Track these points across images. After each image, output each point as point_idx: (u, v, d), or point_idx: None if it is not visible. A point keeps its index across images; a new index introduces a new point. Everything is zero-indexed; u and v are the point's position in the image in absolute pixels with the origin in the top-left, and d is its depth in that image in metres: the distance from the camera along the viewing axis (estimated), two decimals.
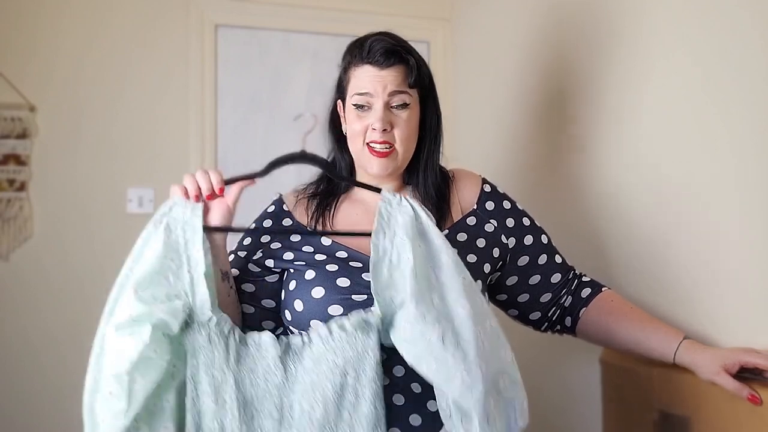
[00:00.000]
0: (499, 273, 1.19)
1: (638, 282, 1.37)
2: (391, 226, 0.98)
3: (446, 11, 2.40)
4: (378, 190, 1.03)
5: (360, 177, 1.18)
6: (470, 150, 2.09)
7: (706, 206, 1.20)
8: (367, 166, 1.13)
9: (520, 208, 1.23)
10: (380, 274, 0.94)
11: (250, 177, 1.04)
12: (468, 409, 0.87)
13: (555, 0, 1.71)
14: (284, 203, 1.20)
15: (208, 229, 1.00)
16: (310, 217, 1.15)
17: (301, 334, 0.96)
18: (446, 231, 1.13)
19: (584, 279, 1.24)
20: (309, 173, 1.21)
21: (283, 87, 2.35)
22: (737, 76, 1.12)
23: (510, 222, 1.19)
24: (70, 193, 2.15)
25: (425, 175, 1.17)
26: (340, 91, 1.17)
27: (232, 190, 1.04)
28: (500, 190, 1.23)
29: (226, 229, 1.04)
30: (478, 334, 0.90)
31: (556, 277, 1.21)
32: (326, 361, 0.92)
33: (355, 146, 1.13)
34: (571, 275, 1.23)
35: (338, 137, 1.20)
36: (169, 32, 2.25)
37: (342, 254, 1.08)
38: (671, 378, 1.16)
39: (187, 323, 0.92)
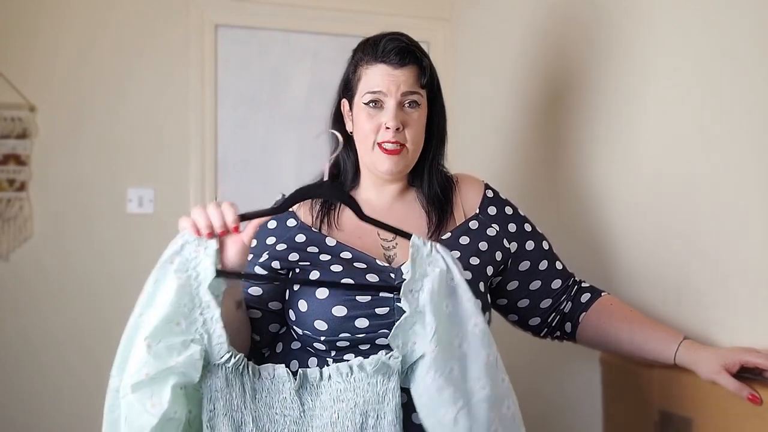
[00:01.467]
0: (500, 277, 1.19)
1: (638, 283, 1.37)
2: (421, 277, 0.92)
3: (446, 11, 2.40)
4: (408, 236, 0.95)
5: (366, 177, 1.18)
6: (469, 150, 2.09)
7: (707, 207, 1.19)
8: (378, 164, 1.12)
9: (522, 213, 1.23)
10: (407, 326, 0.91)
11: (268, 213, 0.98)
12: None
13: (555, 0, 1.71)
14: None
15: (221, 274, 0.92)
16: (314, 217, 1.14)
17: (319, 367, 0.93)
18: (449, 234, 1.13)
19: (584, 285, 1.24)
20: (309, 174, 1.20)
21: (283, 87, 2.35)
22: (737, 76, 1.12)
23: (512, 227, 1.19)
24: (70, 193, 2.15)
25: (430, 177, 1.17)
26: (347, 90, 1.16)
27: (249, 228, 0.96)
28: (502, 196, 1.24)
29: (240, 276, 0.98)
30: (493, 420, 0.87)
31: (556, 283, 1.21)
32: (346, 400, 0.90)
33: (364, 146, 1.13)
34: (571, 281, 1.23)
35: (343, 136, 1.18)
36: (169, 32, 2.25)
37: (346, 255, 1.08)
38: (672, 378, 1.16)
39: (203, 366, 0.89)
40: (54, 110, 2.15)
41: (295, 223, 1.15)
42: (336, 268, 1.05)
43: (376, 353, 0.92)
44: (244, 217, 0.95)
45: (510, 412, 0.90)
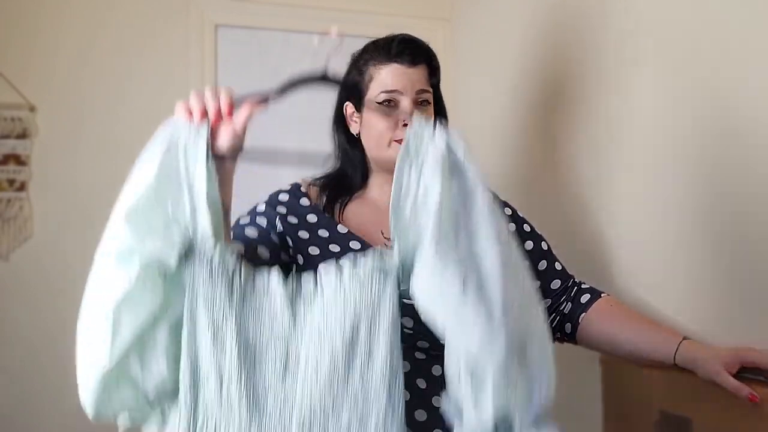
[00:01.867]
0: None
1: (638, 283, 1.37)
2: (419, 158, 0.84)
3: (446, 11, 2.40)
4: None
5: (375, 176, 1.19)
6: (470, 143, 2.08)
7: (706, 206, 1.19)
8: (393, 160, 1.10)
9: (521, 215, 1.24)
10: (402, 212, 0.83)
11: (263, 98, 0.94)
12: (483, 371, 0.76)
13: (555, 0, 1.71)
14: (300, 186, 1.20)
15: (213, 156, 0.88)
16: (324, 203, 1.15)
17: (315, 277, 0.86)
18: None
19: (584, 286, 1.24)
20: (309, 174, 1.21)
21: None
22: (735, 74, 1.12)
23: (511, 227, 1.19)
24: (70, 193, 2.15)
25: None
26: (355, 92, 1.16)
27: (241, 114, 0.93)
28: (501, 197, 1.23)
29: (232, 156, 0.93)
30: (508, 288, 0.78)
31: (555, 284, 1.21)
32: (335, 310, 0.83)
33: (379, 145, 1.12)
34: (570, 282, 1.23)
35: (347, 139, 1.20)
36: (169, 32, 2.25)
37: (355, 245, 1.08)
38: (672, 378, 1.15)
39: (187, 255, 0.84)
40: (54, 110, 2.15)
41: (308, 203, 1.15)
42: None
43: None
44: (240, 102, 0.92)
45: (527, 289, 0.82)
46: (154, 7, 2.24)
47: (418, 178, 0.83)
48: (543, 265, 1.21)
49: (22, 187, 2.11)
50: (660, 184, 1.32)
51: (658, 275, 1.32)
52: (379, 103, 1.11)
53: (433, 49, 1.19)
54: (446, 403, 0.83)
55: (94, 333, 0.82)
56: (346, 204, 1.16)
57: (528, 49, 1.82)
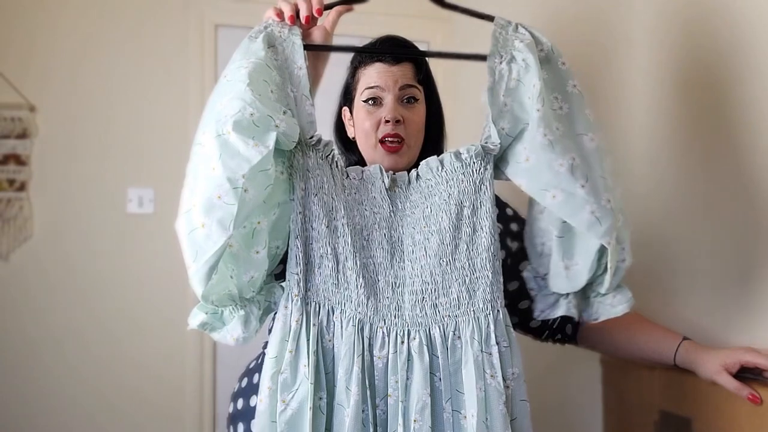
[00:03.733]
0: (504, 275, 1.18)
1: (637, 283, 1.37)
2: (507, 49, 0.93)
3: (446, 11, 2.40)
4: (491, 18, 0.99)
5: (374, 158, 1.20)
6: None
7: (705, 205, 1.19)
8: (381, 162, 1.11)
9: (522, 216, 1.23)
10: (496, 100, 0.91)
11: (348, 1, 1.01)
12: (579, 241, 0.89)
13: (555, 0, 1.71)
14: None
15: (308, 48, 0.94)
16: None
17: (409, 170, 0.95)
18: None
19: None
20: None
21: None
22: (736, 76, 1.12)
23: (514, 226, 1.18)
24: (70, 193, 2.15)
25: None
26: (347, 96, 1.17)
27: (331, 16, 0.99)
28: (503, 198, 1.22)
29: (327, 48, 0.99)
30: (605, 168, 0.88)
31: None
32: (439, 193, 0.91)
33: (367, 145, 1.12)
34: None
35: (344, 143, 1.21)
36: (168, 32, 2.25)
37: None
38: (672, 378, 1.15)
39: (295, 143, 0.87)
40: (54, 110, 2.15)
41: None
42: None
43: None
44: (327, 7, 0.98)
45: (612, 168, 0.91)
46: (154, 8, 2.24)
47: (509, 68, 0.92)
48: None
49: (22, 187, 2.12)
50: (660, 183, 1.32)
51: (657, 272, 1.32)
52: (364, 101, 1.11)
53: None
54: (528, 272, 0.97)
55: (217, 202, 0.81)
56: None
57: None
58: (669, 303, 1.28)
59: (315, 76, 0.99)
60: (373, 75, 1.11)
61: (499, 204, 1.22)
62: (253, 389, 1.04)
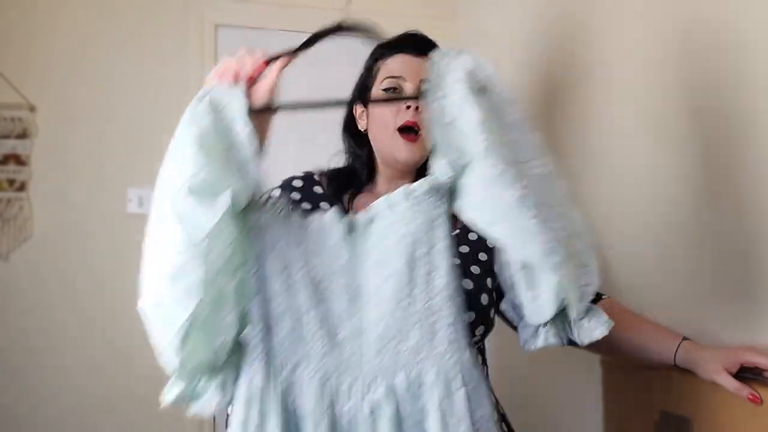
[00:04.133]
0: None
1: (635, 285, 1.37)
2: (442, 84, 0.88)
3: (447, 11, 2.40)
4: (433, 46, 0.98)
5: (382, 173, 1.19)
6: None
7: (705, 204, 1.19)
8: (396, 153, 1.12)
9: None
10: (439, 134, 0.87)
11: (290, 54, 0.99)
12: (544, 270, 0.83)
13: (557, 0, 1.71)
14: (313, 174, 1.20)
15: (252, 112, 0.91)
16: (333, 192, 1.16)
17: (367, 210, 0.90)
18: (458, 230, 1.10)
19: None
20: (309, 152, 1.23)
21: (283, 87, 2.34)
22: (736, 73, 1.12)
23: None
24: (70, 193, 2.15)
25: None
26: (361, 91, 1.18)
27: (273, 72, 0.97)
28: None
29: (268, 110, 0.97)
30: (556, 195, 0.85)
31: None
32: (393, 234, 0.87)
33: (383, 135, 1.12)
34: None
35: (355, 139, 1.21)
36: (168, 32, 2.25)
37: None
38: (672, 378, 1.15)
39: (248, 204, 0.86)
40: (54, 110, 2.15)
41: (322, 191, 1.16)
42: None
43: None
44: (268, 61, 0.96)
45: (565, 192, 0.87)
46: (153, 8, 2.24)
47: (445, 103, 0.87)
48: None
49: (22, 187, 2.12)
50: (660, 182, 1.32)
51: (655, 275, 1.32)
52: (384, 89, 1.12)
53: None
54: (505, 303, 0.93)
55: (180, 271, 0.80)
56: (356, 195, 1.17)
57: (529, 48, 1.82)
58: (664, 302, 1.28)
59: (261, 134, 0.96)
60: (396, 65, 1.13)
61: None
62: None
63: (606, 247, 1.49)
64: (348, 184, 1.18)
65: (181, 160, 0.83)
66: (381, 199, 0.90)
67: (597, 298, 1.20)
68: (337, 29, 0.99)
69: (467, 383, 0.85)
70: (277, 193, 1.14)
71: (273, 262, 0.87)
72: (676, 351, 1.07)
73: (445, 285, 0.86)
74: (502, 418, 1.12)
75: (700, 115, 1.22)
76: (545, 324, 0.91)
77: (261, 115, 0.95)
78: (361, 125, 1.19)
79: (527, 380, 1.65)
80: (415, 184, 0.88)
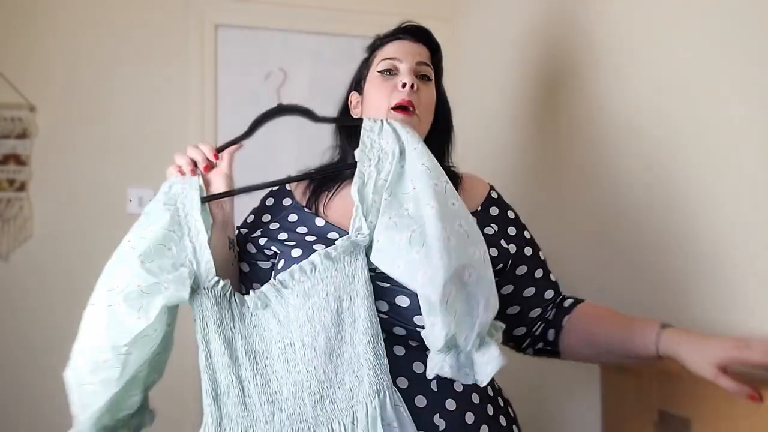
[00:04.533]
0: (497, 278, 1.15)
1: (641, 281, 1.37)
2: (375, 151, 1.01)
3: (446, 11, 2.40)
4: (360, 121, 1.05)
5: None
6: (471, 150, 2.09)
7: (712, 201, 1.20)
8: None
9: (523, 222, 1.22)
10: (366, 197, 0.97)
11: (237, 141, 1.08)
12: (432, 299, 0.86)
13: (555, 0, 1.71)
14: (287, 185, 1.21)
15: (205, 199, 1.02)
16: (307, 198, 1.16)
17: (277, 281, 0.97)
18: None
19: (568, 296, 1.21)
20: (308, 155, 1.24)
21: (283, 87, 2.35)
22: (735, 72, 1.12)
23: (512, 230, 1.18)
24: (70, 193, 2.15)
25: (437, 156, 1.14)
26: (358, 82, 1.20)
27: (224, 159, 1.07)
28: (506, 200, 1.23)
29: (221, 196, 1.05)
30: (444, 231, 0.88)
31: (549, 294, 1.18)
32: (317, 293, 0.94)
33: (377, 115, 1.11)
34: (560, 297, 1.20)
35: (348, 128, 1.19)
36: (169, 32, 2.25)
37: (333, 235, 1.06)
38: (671, 378, 1.16)
39: (193, 289, 0.95)
40: (54, 110, 2.15)
41: (291, 202, 1.17)
42: (318, 247, 1.03)
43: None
44: (220, 150, 1.07)
45: (463, 229, 0.91)
46: (154, 8, 2.24)
47: (377, 169, 0.99)
48: (539, 273, 1.18)
49: (22, 187, 2.12)
50: (659, 184, 1.32)
51: (661, 274, 1.32)
52: (379, 71, 1.14)
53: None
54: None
55: (101, 365, 0.92)
56: (333, 194, 1.15)
57: (529, 48, 1.82)
58: (667, 302, 1.28)
59: (224, 215, 1.06)
60: (392, 48, 1.16)
61: (501, 205, 1.21)
62: None
63: (609, 244, 1.49)
64: (325, 181, 1.17)
65: (126, 265, 0.94)
66: (296, 266, 0.96)
67: (579, 300, 1.18)
68: (277, 112, 1.09)
69: (389, 423, 0.91)
70: (251, 219, 1.18)
71: (218, 341, 0.96)
72: (658, 340, 1.00)
73: (366, 329, 0.93)
74: (507, 403, 1.12)
75: (706, 113, 1.22)
76: (448, 353, 0.89)
77: (224, 201, 1.06)
78: (356, 113, 1.20)
79: (526, 380, 1.65)
80: (334, 246, 0.96)
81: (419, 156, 0.97)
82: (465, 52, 2.31)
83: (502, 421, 1.07)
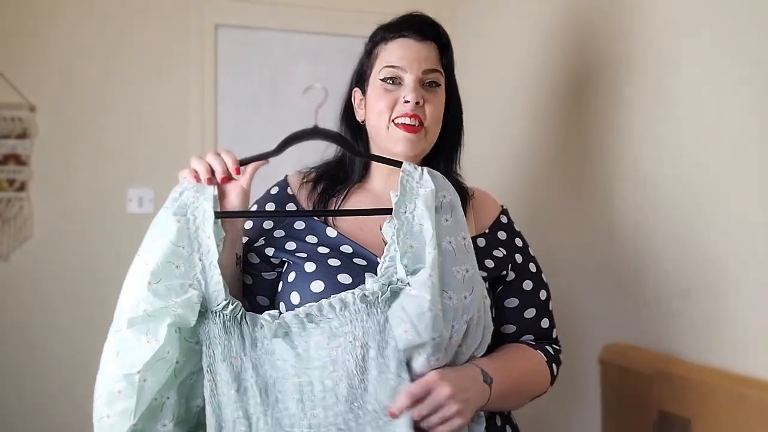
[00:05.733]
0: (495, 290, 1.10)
1: (648, 282, 1.37)
2: (412, 198, 0.94)
3: (446, 11, 2.40)
4: (399, 164, 0.97)
5: (377, 165, 1.10)
6: (469, 150, 2.08)
7: (730, 206, 1.19)
8: (393, 145, 1.04)
9: (532, 253, 1.15)
10: (404, 243, 0.90)
11: (264, 157, 0.98)
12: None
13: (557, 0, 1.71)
14: (288, 186, 1.12)
15: (220, 215, 0.93)
16: (315, 203, 1.08)
17: (303, 313, 0.89)
18: None
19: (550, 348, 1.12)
20: (312, 153, 1.14)
21: (283, 87, 2.36)
22: (744, 76, 1.12)
23: (518, 258, 1.11)
24: (70, 193, 2.15)
25: (447, 163, 1.12)
26: (360, 77, 1.11)
27: (247, 172, 0.97)
28: (516, 227, 1.16)
29: (239, 215, 0.97)
30: (480, 309, 0.91)
31: (528, 337, 1.10)
32: (343, 335, 0.87)
33: (378, 126, 1.05)
34: (545, 345, 1.11)
35: (352, 128, 1.13)
36: (169, 32, 2.25)
37: (347, 249, 1.01)
38: (671, 379, 1.16)
39: (201, 312, 0.88)
40: (54, 110, 2.15)
41: (295, 208, 1.09)
42: (334, 262, 0.98)
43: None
44: (243, 162, 0.96)
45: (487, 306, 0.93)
46: (154, 7, 2.24)
47: (413, 216, 0.92)
48: (530, 313, 1.09)
49: (22, 187, 2.12)
50: (659, 183, 1.32)
51: (668, 274, 1.32)
52: (382, 80, 1.05)
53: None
54: None
55: (117, 396, 0.86)
56: (346, 198, 1.10)
57: (529, 48, 1.82)
58: (669, 304, 1.28)
59: (235, 232, 0.97)
60: (396, 52, 1.05)
61: (511, 231, 1.14)
62: None
63: (616, 246, 1.49)
64: (335, 183, 1.11)
65: (132, 287, 0.88)
66: (326, 302, 0.89)
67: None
68: (312, 134, 0.98)
69: None
70: (249, 224, 1.08)
71: (225, 371, 0.88)
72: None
73: (395, 386, 0.86)
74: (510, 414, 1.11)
75: (710, 111, 1.22)
76: None
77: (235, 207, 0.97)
78: (360, 115, 1.11)
79: None
80: (368, 285, 0.89)
81: (446, 231, 0.92)
82: (465, 52, 2.31)
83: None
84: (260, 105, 2.33)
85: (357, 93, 1.12)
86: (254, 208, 1.09)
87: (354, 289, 0.90)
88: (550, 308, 1.13)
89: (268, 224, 1.06)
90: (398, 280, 0.88)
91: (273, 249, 1.02)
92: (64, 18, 2.17)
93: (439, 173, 0.97)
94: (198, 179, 0.95)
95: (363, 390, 0.86)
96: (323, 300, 0.89)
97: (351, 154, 1.07)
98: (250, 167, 0.98)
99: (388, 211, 0.95)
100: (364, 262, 0.99)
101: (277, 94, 2.34)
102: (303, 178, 1.13)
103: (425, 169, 0.96)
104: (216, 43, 2.29)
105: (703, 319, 1.19)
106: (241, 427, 0.87)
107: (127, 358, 0.84)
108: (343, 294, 0.89)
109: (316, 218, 1.06)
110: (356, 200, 1.10)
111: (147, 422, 0.86)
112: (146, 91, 2.22)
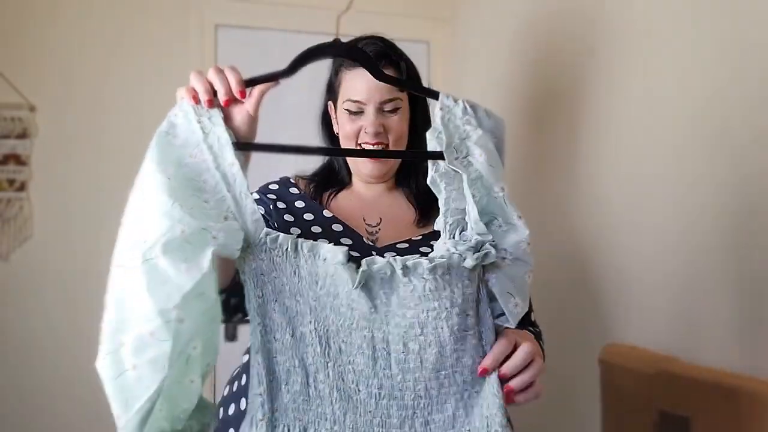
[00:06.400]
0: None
1: (626, 282, 1.37)
2: (462, 141, 0.86)
3: (446, 11, 2.40)
4: (441, 156, 0.86)
5: (355, 174, 1.19)
6: None
7: (707, 206, 1.20)
8: (361, 166, 1.15)
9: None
10: (472, 198, 0.83)
11: (274, 78, 0.86)
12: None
13: (554, 1, 1.71)
14: (289, 179, 1.21)
15: (240, 146, 0.80)
16: (312, 190, 1.16)
17: (399, 263, 0.78)
18: (420, 236, 1.09)
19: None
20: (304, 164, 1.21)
21: (282, 87, 2.35)
22: (729, 77, 1.12)
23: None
24: (70, 193, 2.15)
25: (417, 176, 1.17)
26: (331, 92, 1.18)
27: (254, 95, 0.86)
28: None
29: (263, 149, 0.85)
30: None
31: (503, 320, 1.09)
32: (439, 299, 0.77)
33: (348, 143, 1.14)
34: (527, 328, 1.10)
35: (331, 137, 1.21)
36: (169, 32, 2.25)
37: (337, 227, 1.08)
38: (671, 378, 1.16)
39: (243, 248, 0.75)
40: (54, 110, 2.15)
41: (297, 192, 1.16)
42: (322, 241, 0.95)
43: None
44: (248, 83, 0.84)
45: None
46: (154, 7, 2.24)
47: (468, 161, 0.86)
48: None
49: (22, 187, 2.12)
50: (658, 182, 1.32)
51: (654, 275, 1.32)
52: (346, 110, 1.12)
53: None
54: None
55: (148, 340, 0.70)
56: (335, 195, 1.18)
57: (528, 48, 1.82)
58: (664, 303, 1.28)
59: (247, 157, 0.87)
60: (355, 86, 1.09)
61: None
62: (241, 392, 1.02)
63: (604, 246, 1.49)
64: (327, 183, 1.19)
65: (154, 211, 0.73)
66: (426, 261, 0.78)
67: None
68: (331, 49, 0.87)
69: None
70: (256, 196, 1.11)
71: (277, 312, 0.78)
72: None
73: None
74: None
75: (699, 117, 1.22)
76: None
77: (245, 120, 0.85)
78: (336, 128, 1.19)
79: None
80: (469, 257, 0.79)
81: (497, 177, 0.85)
82: (464, 52, 2.31)
83: None
84: (260, 105, 2.33)
85: (331, 107, 1.19)
86: (256, 197, 1.13)
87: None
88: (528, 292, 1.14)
89: (272, 196, 1.12)
90: (488, 240, 0.81)
91: (276, 221, 1.07)
92: (64, 18, 2.17)
93: (478, 105, 0.89)
94: (197, 100, 0.83)
95: (456, 360, 0.79)
96: (422, 260, 0.79)
97: (376, 77, 0.94)
98: (256, 90, 0.86)
99: (438, 155, 0.85)
100: (350, 242, 1.06)
101: (276, 94, 2.34)
102: (299, 177, 1.22)
103: (466, 101, 0.88)
104: (216, 43, 2.29)
105: (703, 319, 1.19)
106: (297, 378, 0.78)
107: (162, 290, 0.69)
108: (449, 256, 0.79)
109: (314, 201, 1.13)
110: (342, 199, 1.18)
111: (174, 378, 0.72)
112: (146, 91, 2.22)
